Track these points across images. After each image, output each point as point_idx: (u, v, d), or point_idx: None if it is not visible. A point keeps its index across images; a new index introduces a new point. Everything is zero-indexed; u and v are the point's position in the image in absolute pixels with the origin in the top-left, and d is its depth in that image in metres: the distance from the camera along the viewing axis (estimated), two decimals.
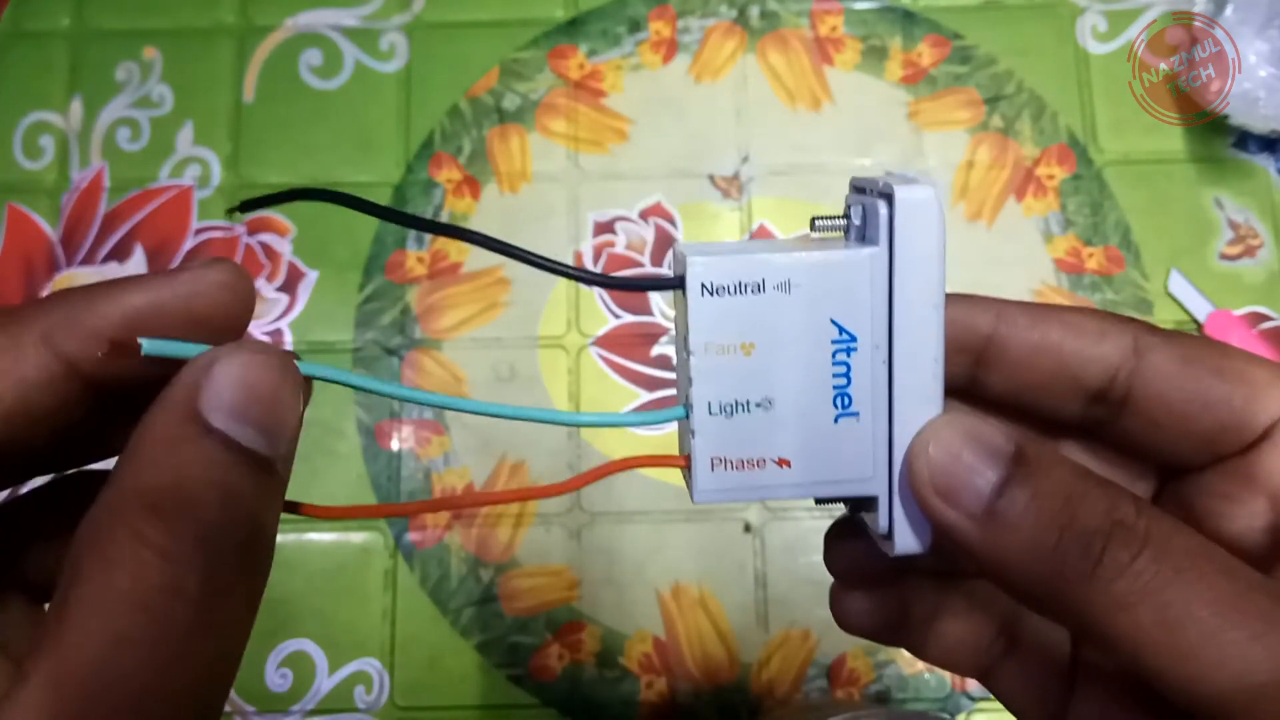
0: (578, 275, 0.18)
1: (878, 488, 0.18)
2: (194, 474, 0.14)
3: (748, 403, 0.18)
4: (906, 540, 0.18)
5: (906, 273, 0.17)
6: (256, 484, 0.14)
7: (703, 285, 0.17)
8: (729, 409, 0.18)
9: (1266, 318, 0.47)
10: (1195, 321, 0.47)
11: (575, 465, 0.47)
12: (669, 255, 0.15)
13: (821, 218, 0.19)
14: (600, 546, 0.46)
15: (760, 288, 0.17)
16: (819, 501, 0.19)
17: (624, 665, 0.45)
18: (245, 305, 0.17)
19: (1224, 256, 0.48)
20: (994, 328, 0.19)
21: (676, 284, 0.18)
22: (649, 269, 0.49)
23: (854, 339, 0.17)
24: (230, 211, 0.17)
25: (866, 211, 0.18)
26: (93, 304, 0.15)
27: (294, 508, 0.17)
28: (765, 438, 0.18)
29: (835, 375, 0.18)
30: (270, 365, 0.15)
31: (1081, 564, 0.15)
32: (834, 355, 0.18)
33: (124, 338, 0.15)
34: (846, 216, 0.18)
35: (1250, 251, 0.48)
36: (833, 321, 0.17)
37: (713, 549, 0.46)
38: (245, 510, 0.14)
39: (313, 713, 0.45)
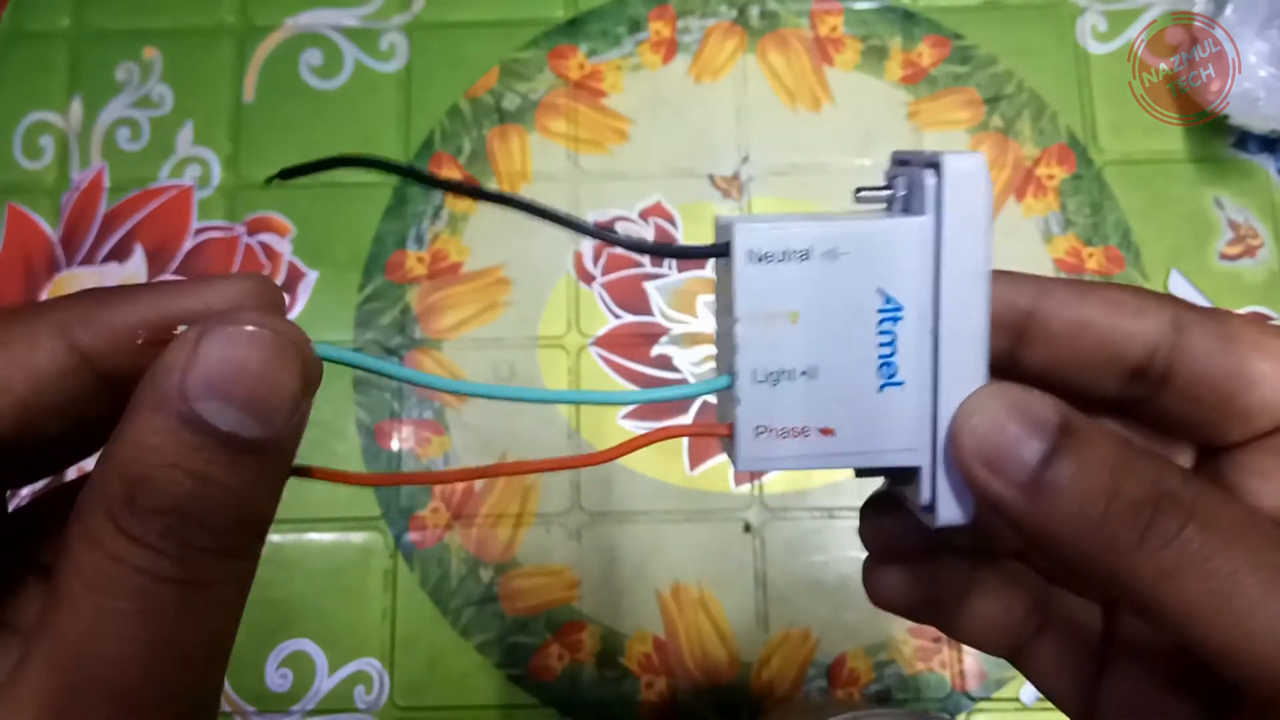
0: (625, 243, 0.18)
1: (921, 458, 0.18)
2: (168, 462, 0.13)
3: (792, 371, 0.18)
4: (950, 511, 0.18)
5: (954, 242, 0.17)
6: (239, 468, 0.14)
7: (750, 251, 0.17)
8: (774, 377, 0.18)
9: (1267, 318, 0.47)
10: None
11: None
12: (714, 226, 0.15)
13: (866, 188, 0.18)
14: (600, 546, 0.46)
15: (807, 255, 0.17)
16: (859, 473, 0.19)
17: (624, 665, 0.45)
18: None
19: (1224, 256, 0.49)
20: (1034, 304, 0.19)
21: (723, 250, 0.18)
22: (649, 269, 0.49)
23: (900, 308, 0.17)
24: (269, 180, 0.17)
25: (912, 182, 0.18)
26: (113, 304, 0.15)
27: (305, 472, 0.17)
28: (809, 406, 0.18)
29: (881, 345, 0.18)
30: (259, 339, 0.14)
31: (1129, 534, 0.15)
32: (880, 325, 0.17)
33: (161, 335, 0.15)
34: (890, 187, 0.18)
35: (1250, 251, 0.49)
36: (879, 291, 0.17)
37: (713, 549, 0.46)
38: (225, 497, 0.14)
39: (313, 713, 0.45)
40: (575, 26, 0.52)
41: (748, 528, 0.46)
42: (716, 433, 0.18)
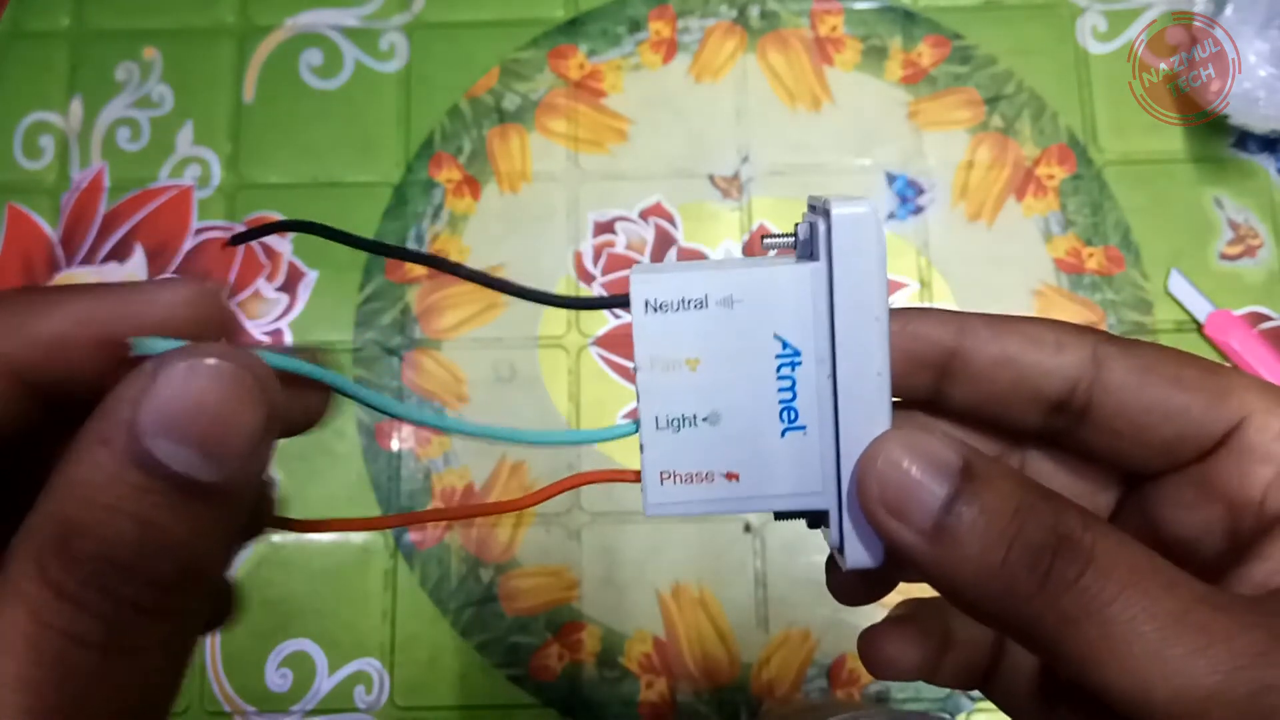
0: (532, 296, 0.19)
1: (828, 502, 0.18)
2: (109, 504, 0.12)
3: (694, 417, 0.18)
4: (858, 555, 0.18)
5: (846, 287, 0.17)
6: (189, 515, 0.13)
7: (646, 302, 0.18)
8: (676, 423, 0.18)
9: (1266, 318, 0.47)
10: (1195, 321, 0.47)
11: (575, 465, 0.47)
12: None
13: (772, 235, 0.19)
14: (600, 546, 0.46)
15: (703, 303, 0.18)
16: (778, 516, 0.19)
17: (624, 665, 0.45)
18: (208, 325, 0.15)
19: (1224, 256, 0.48)
20: (956, 341, 0.19)
21: (623, 301, 0.18)
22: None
23: (798, 354, 0.18)
24: (224, 246, 0.17)
25: (813, 228, 0.18)
26: (44, 310, 0.14)
27: (286, 524, 0.16)
28: (713, 452, 0.18)
29: (781, 390, 0.18)
30: (222, 374, 0.13)
31: (1029, 580, 0.15)
32: (779, 369, 0.18)
33: (115, 338, 0.14)
34: (795, 234, 0.19)
35: (1250, 251, 0.48)
36: (776, 336, 0.18)
37: (713, 549, 0.46)
38: (168, 545, 0.12)
39: (313, 713, 0.45)
40: (575, 26, 0.52)
41: (748, 528, 0.46)
42: (628, 478, 0.19)
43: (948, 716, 0.44)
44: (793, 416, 0.18)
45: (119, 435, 0.12)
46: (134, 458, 0.12)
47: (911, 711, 0.43)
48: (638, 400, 0.18)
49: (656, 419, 0.18)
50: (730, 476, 0.18)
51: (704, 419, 0.18)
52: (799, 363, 0.18)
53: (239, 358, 0.13)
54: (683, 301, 0.18)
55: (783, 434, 0.18)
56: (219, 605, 0.19)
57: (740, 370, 0.18)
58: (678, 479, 0.18)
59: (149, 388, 0.13)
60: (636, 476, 0.18)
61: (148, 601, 0.12)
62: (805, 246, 0.18)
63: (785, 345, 0.18)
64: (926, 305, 0.19)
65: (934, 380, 0.19)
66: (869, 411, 0.18)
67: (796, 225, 0.19)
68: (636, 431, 0.18)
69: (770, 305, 0.18)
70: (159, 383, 0.13)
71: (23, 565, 0.12)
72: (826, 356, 0.18)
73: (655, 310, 0.18)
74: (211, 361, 0.13)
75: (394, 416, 0.18)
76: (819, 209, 0.18)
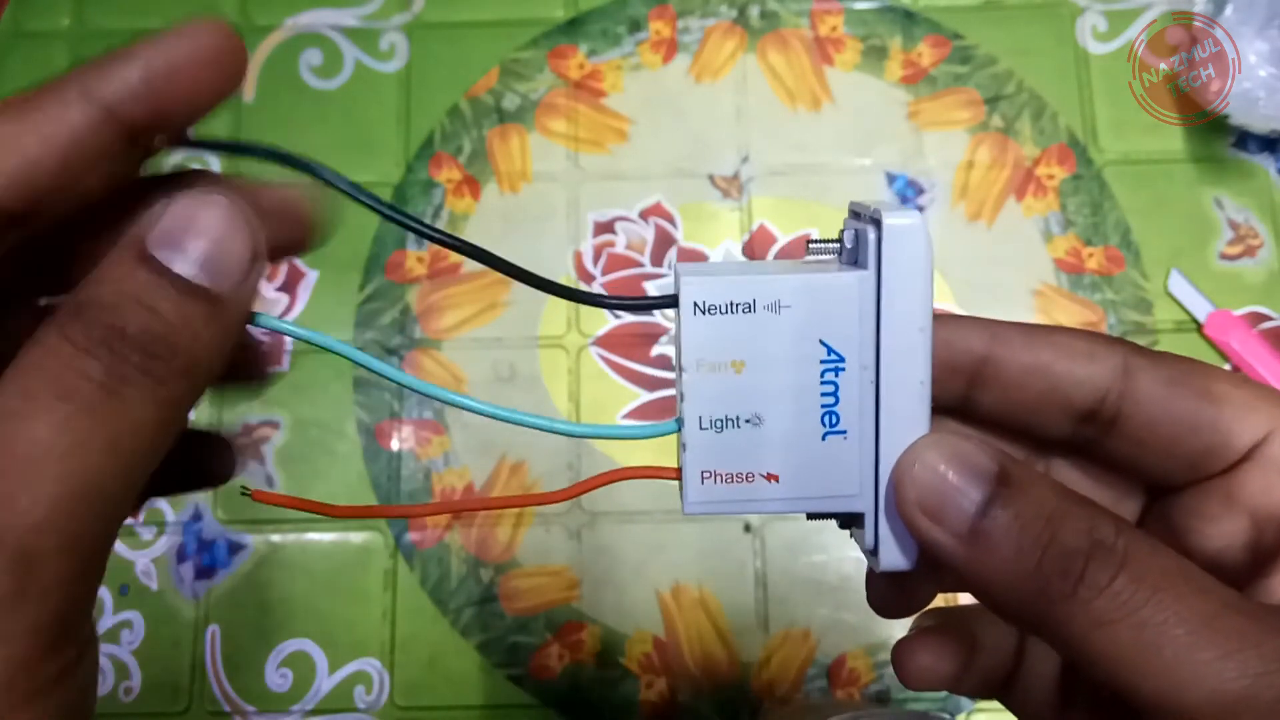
0: (578, 296, 0.19)
1: (864, 505, 0.18)
2: (121, 289, 0.15)
3: (737, 419, 0.18)
4: (893, 557, 0.18)
5: (893, 297, 0.17)
6: (187, 310, 0.16)
7: (695, 304, 0.18)
8: (719, 424, 0.18)
9: (1266, 318, 0.47)
10: (1195, 321, 0.47)
11: (575, 466, 0.47)
12: (670, 272, 0.16)
13: (816, 241, 0.19)
14: (600, 546, 0.46)
15: (751, 307, 0.18)
16: (810, 517, 0.19)
17: (624, 665, 0.45)
18: (231, 74, 0.18)
19: (1224, 256, 0.49)
20: (988, 349, 0.19)
21: (672, 303, 0.18)
22: (649, 269, 0.49)
23: (842, 359, 0.18)
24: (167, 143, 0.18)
25: (859, 236, 0.18)
26: (119, 62, 0.17)
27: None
28: (754, 453, 0.18)
29: (824, 394, 0.18)
30: (219, 205, 0.16)
31: (1062, 584, 0.16)
32: (823, 375, 0.18)
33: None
34: (840, 240, 0.19)
35: (1250, 251, 0.49)
36: (822, 342, 0.18)
37: (713, 549, 0.46)
38: (167, 330, 0.15)
39: (313, 713, 0.45)
40: (575, 26, 0.52)
41: (748, 528, 0.46)
42: (669, 475, 0.19)
43: (948, 716, 0.44)
44: (834, 421, 0.18)
45: (134, 244, 0.16)
46: (144, 259, 0.15)
47: (911, 711, 0.43)
48: (681, 400, 0.18)
49: (700, 419, 0.18)
50: (770, 477, 0.18)
51: (747, 420, 0.18)
52: (843, 369, 0.18)
53: (235, 197, 0.17)
54: (731, 305, 0.18)
55: (823, 437, 0.18)
56: (218, 457, 0.21)
57: (785, 374, 0.18)
58: (719, 479, 0.18)
59: (161, 212, 0.16)
60: (677, 474, 0.19)
61: (142, 364, 0.15)
62: (850, 254, 0.19)
63: (830, 351, 0.18)
64: (959, 313, 0.19)
65: (965, 387, 0.20)
66: (909, 419, 0.18)
67: (841, 232, 0.19)
68: (678, 430, 0.18)
69: (817, 311, 0.18)
70: (169, 209, 0.16)
71: (47, 327, 0.15)
72: (870, 363, 0.18)
73: (704, 312, 0.18)
74: (215, 196, 0.16)
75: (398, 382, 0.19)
76: (865, 216, 0.18)
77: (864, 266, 0.18)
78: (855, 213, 0.19)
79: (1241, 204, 0.49)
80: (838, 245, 0.19)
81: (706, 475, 0.18)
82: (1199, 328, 0.47)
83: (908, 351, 0.18)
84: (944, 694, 0.44)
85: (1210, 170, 0.50)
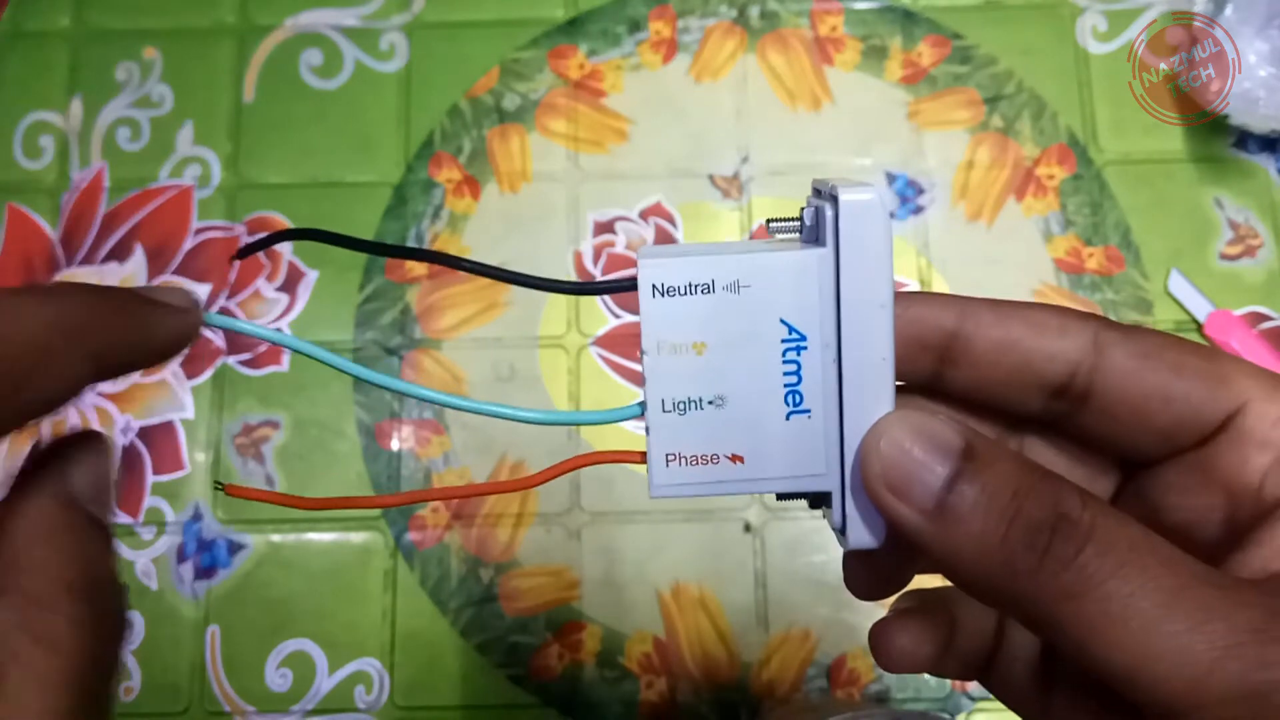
0: (535, 283, 0.19)
1: (831, 484, 0.18)
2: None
3: (700, 400, 0.18)
4: (860, 535, 0.18)
5: (852, 273, 0.17)
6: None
7: (654, 286, 0.18)
8: (682, 406, 0.18)
9: (1266, 318, 0.47)
10: (1195, 321, 0.47)
11: None
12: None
13: (776, 219, 0.19)
14: (600, 546, 0.46)
15: (710, 288, 0.18)
16: (780, 497, 0.19)
17: (624, 665, 0.45)
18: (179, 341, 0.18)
19: (1224, 256, 0.49)
20: (958, 325, 0.19)
21: (631, 285, 0.18)
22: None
23: (804, 338, 0.18)
24: (232, 259, 0.18)
25: (819, 214, 0.18)
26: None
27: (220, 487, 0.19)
28: (718, 434, 0.18)
29: (786, 374, 0.18)
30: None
31: (1028, 557, 0.16)
32: (784, 354, 0.18)
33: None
34: (800, 219, 0.19)
35: (1250, 251, 0.49)
36: (783, 321, 0.18)
37: (713, 549, 0.46)
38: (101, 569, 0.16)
39: (313, 713, 0.45)
40: (575, 26, 0.52)
41: (748, 528, 0.46)
42: (635, 459, 0.19)
43: (948, 716, 0.44)
44: (797, 400, 0.18)
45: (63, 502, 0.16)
46: (86, 520, 0.16)
47: (912, 711, 0.43)
48: (644, 383, 0.18)
49: (663, 402, 0.18)
50: (735, 458, 0.18)
51: (710, 402, 0.18)
52: (805, 347, 0.18)
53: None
54: (690, 286, 0.18)
55: (787, 417, 0.18)
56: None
57: (746, 354, 0.18)
58: (683, 461, 0.18)
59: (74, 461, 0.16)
60: (642, 458, 0.19)
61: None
62: (811, 232, 0.18)
63: (791, 330, 0.18)
64: (927, 290, 0.19)
65: (934, 364, 0.19)
66: (873, 396, 0.18)
67: (802, 210, 0.19)
68: (642, 414, 0.18)
69: (777, 290, 0.18)
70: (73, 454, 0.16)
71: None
72: (832, 341, 0.18)
73: (663, 294, 0.18)
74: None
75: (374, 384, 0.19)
76: (825, 194, 0.18)
77: (823, 244, 0.18)
78: (816, 190, 0.19)
79: (1241, 204, 0.49)
80: (798, 224, 0.19)
81: (671, 458, 0.18)
82: (1199, 328, 0.47)
83: (869, 328, 0.18)
84: (945, 694, 0.44)
85: (1210, 170, 0.50)
